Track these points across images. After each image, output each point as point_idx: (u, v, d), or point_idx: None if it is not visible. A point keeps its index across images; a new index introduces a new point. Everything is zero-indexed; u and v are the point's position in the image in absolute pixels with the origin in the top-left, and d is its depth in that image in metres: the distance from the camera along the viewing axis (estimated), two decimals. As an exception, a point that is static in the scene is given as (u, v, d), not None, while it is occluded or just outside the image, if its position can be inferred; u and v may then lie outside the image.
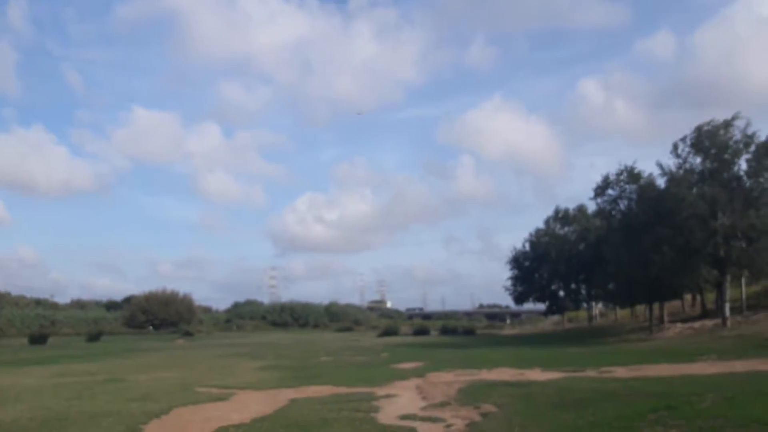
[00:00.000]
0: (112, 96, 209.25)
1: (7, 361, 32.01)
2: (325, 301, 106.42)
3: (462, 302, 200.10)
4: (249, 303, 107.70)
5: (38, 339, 48.98)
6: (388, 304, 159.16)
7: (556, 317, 72.80)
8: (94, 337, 54.34)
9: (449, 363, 24.40)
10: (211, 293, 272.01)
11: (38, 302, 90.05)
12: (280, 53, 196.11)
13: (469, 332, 64.23)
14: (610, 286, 45.59)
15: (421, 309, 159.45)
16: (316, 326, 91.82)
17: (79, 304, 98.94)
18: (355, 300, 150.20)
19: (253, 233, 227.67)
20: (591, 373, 19.25)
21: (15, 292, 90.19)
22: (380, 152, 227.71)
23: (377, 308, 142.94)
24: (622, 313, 59.84)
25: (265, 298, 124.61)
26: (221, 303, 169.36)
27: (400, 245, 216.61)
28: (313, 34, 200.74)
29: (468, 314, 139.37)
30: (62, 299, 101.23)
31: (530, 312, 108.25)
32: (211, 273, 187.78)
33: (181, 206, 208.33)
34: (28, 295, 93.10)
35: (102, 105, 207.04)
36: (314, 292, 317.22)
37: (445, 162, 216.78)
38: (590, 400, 13.10)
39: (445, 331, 66.15)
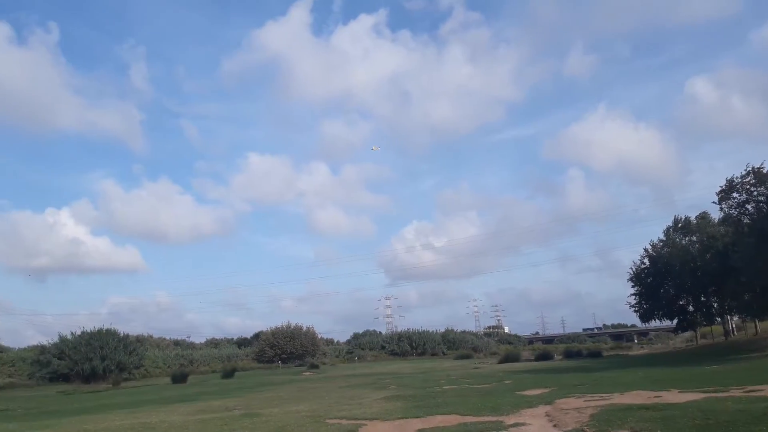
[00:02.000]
0: (227, 145, 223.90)
1: (154, 399, 34.58)
2: (441, 329, 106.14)
3: (584, 323, 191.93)
4: (368, 333, 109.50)
5: (179, 378, 52.33)
6: (506, 329, 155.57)
7: (687, 334, 68.11)
8: (228, 374, 57.35)
9: (578, 388, 23.55)
10: (331, 325, 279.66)
11: (177, 343, 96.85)
12: (378, 87, 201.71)
13: (595, 354, 61.38)
14: (746, 297, 42.16)
15: (536, 333, 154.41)
16: (434, 354, 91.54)
17: (213, 343, 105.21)
18: (471, 326, 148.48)
19: (365, 264, 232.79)
20: (736, 392, 17.89)
21: (156, 334, 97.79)
22: (483, 174, 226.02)
23: (495, 333, 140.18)
24: (762, 326, 54.87)
25: (382, 328, 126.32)
26: (341, 334, 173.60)
27: (513, 268, 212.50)
28: (408, 65, 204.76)
29: (591, 335, 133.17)
30: (198, 339, 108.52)
31: (658, 330, 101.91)
32: (330, 305, 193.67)
33: (298, 243, 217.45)
34: (168, 336, 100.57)
35: (219, 154, 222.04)
36: (429, 319, 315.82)
37: (553, 178, 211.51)
38: (739, 422, 12.24)
39: (569, 354, 63.61)
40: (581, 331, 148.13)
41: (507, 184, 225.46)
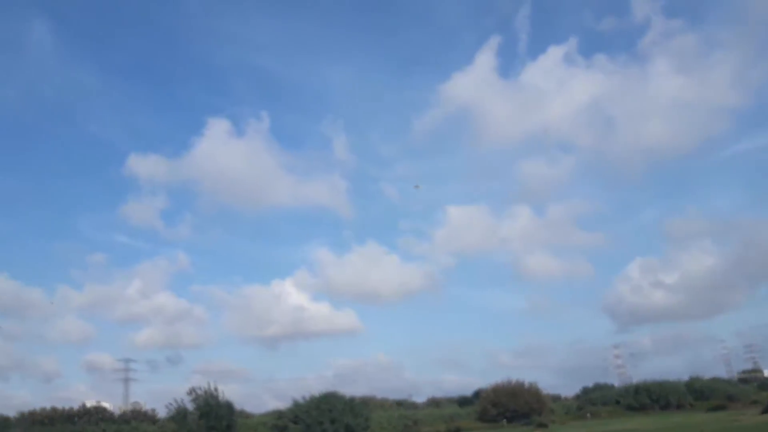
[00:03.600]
0: (426, 201, 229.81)
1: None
2: (684, 377, 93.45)
3: None
4: (598, 387, 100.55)
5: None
6: (766, 373, 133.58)
7: None
8: (452, 434, 55.62)
9: None
10: (554, 379, 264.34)
11: (399, 403, 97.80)
12: (577, 118, 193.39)
13: None
14: None
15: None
16: (679, 407, 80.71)
17: (434, 402, 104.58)
18: (721, 372, 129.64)
19: (585, 310, 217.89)
20: None
21: (378, 394, 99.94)
22: (713, 196, 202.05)
23: (752, 378, 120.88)
24: None
25: (614, 380, 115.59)
26: (567, 389, 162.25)
27: (766, 300, 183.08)
28: (609, 89, 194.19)
29: None
30: (419, 398, 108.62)
31: None
32: (551, 358, 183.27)
33: (508, 294, 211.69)
34: (390, 396, 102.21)
35: (419, 211, 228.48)
36: (668, 367, 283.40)
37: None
38: None
39: None
40: None
41: (744, 204, 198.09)
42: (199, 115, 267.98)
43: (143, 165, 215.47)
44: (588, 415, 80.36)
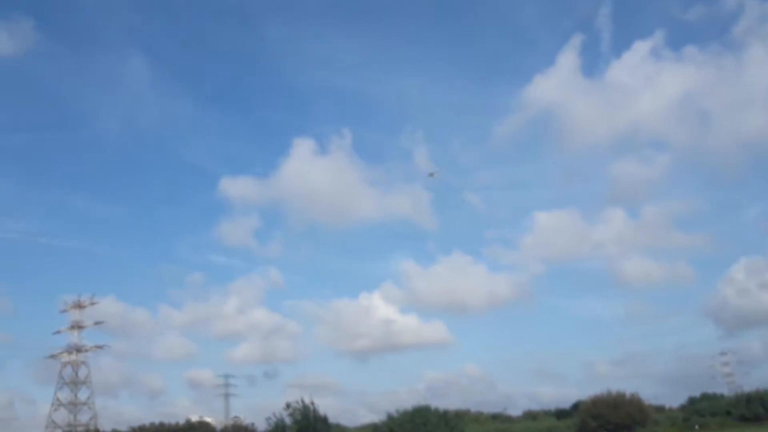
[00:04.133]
0: (512, 208, 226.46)
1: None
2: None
3: None
4: (706, 397, 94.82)
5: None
6: None
7: None
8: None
9: None
10: (657, 389, 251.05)
11: (494, 417, 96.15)
12: (669, 114, 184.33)
13: None
14: None
15: None
16: (801, 417, 74.76)
17: (530, 415, 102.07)
18: None
19: (687, 316, 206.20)
20: None
21: (472, 408, 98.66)
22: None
23: None
24: None
25: (723, 389, 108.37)
26: (671, 399, 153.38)
27: None
28: (702, 81, 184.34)
29: None
30: (514, 411, 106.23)
31: None
32: (652, 367, 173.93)
33: (602, 300, 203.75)
34: (484, 410, 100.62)
35: (505, 219, 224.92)
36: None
37: None
38: None
39: None
40: None
41: None
42: (285, 137, 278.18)
43: (235, 187, 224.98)
44: (696, 426, 76.01)
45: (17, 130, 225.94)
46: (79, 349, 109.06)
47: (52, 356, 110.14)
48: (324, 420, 63.16)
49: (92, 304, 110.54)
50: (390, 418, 64.72)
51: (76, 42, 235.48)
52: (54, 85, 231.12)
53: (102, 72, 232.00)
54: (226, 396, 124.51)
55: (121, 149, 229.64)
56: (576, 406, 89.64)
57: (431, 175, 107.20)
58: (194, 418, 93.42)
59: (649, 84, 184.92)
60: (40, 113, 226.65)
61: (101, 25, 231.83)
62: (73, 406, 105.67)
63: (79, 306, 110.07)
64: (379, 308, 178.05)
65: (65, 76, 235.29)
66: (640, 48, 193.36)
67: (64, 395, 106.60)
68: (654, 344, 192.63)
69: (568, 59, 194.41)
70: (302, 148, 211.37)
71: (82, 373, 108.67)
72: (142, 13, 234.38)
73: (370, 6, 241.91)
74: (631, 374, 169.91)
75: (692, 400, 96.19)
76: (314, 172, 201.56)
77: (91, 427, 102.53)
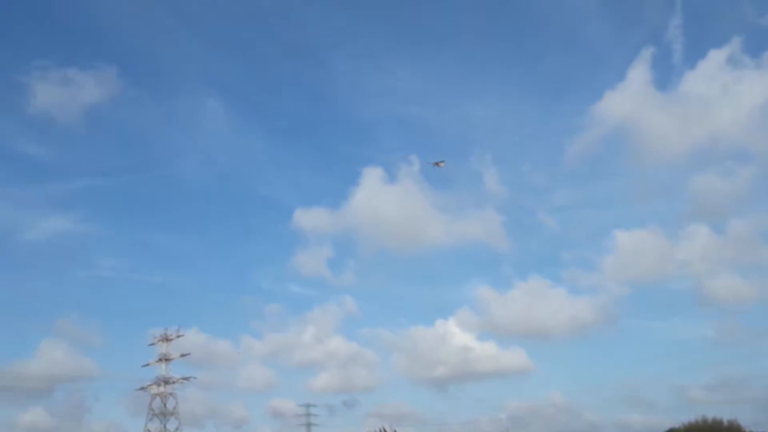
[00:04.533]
0: (589, 228, 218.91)
1: None
2: None
3: None
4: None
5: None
6: None
7: None
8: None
9: None
10: (758, 415, 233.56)
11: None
12: (751, 123, 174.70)
13: None
14: None
15: None
16: None
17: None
18: None
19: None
20: None
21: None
22: None
23: None
24: None
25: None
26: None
27: None
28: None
29: None
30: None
31: None
32: (751, 391, 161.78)
33: (691, 322, 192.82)
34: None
35: (583, 240, 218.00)
36: None
37: None
38: None
39: None
40: None
41: None
42: (354, 166, 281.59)
43: (308, 218, 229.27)
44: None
45: (107, 174, 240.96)
46: (167, 381, 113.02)
47: (142, 388, 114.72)
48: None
49: (178, 336, 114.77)
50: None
51: (156, 86, 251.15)
52: (138, 129, 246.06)
53: (181, 114, 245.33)
54: (308, 426, 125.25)
55: (201, 186, 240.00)
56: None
57: (437, 164, 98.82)
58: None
59: (727, 93, 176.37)
60: (126, 157, 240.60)
61: (179, 68, 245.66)
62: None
63: (166, 339, 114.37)
64: (455, 335, 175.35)
65: (148, 119, 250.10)
66: (716, 57, 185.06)
67: (154, 426, 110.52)
68: (750, 367, 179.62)
69: (639, 73, 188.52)
70: (371, 177, 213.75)
71: (170, 404, 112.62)
72: (217, 56, 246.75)
73: (430, 33, 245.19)
74: (727, 400, 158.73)
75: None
76: (384, 199, 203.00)
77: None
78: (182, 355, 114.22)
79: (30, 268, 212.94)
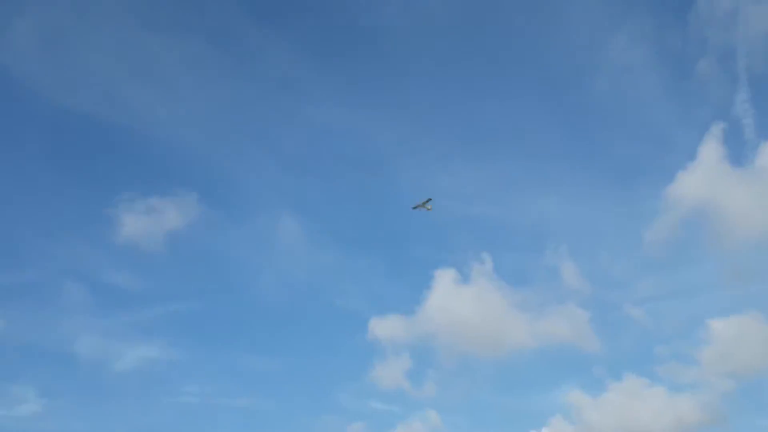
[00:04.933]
0: (681, 319, 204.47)
1: None
2: None
3: None
4: None
5: None
6: None
7: None
8: None
9: None
10: None
11: None
12: None
13: None
14: None
15: None
16: None
17: None
18: None
19: None
20: None
21: None
22: None
23: None
24: None
25: None
26: None
27: None
28: None
29: None
30: None
31: None
32: None
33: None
34: None
35: (676, 332, 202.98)
36: None
37: None
38: None
39: None
40: None
41: None
42: (426, 270, 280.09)
43: (383, 327, 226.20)
44: None
45: (188, 298, 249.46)
46: None
47: None
48: None
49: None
50: None
51: (234, 209, 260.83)
52: (217, 252, 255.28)
53: (258, 234, 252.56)
54: None
55: (279, 304, 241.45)
56: None
57: (423, 205, 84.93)
58: None
59: None
60: (207, 280, 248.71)
61: (254, 190, 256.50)
62: None
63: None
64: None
65: (226, 241, 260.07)
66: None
67: None
68: None
69: (710, 151, 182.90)
70: (443, 279, 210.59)
71: None
72: (290, 175, 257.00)
73: (493, 132, 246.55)
74: None
75: None
76: (458, 301, 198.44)
77: None
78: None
79: (118, 398, 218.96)
